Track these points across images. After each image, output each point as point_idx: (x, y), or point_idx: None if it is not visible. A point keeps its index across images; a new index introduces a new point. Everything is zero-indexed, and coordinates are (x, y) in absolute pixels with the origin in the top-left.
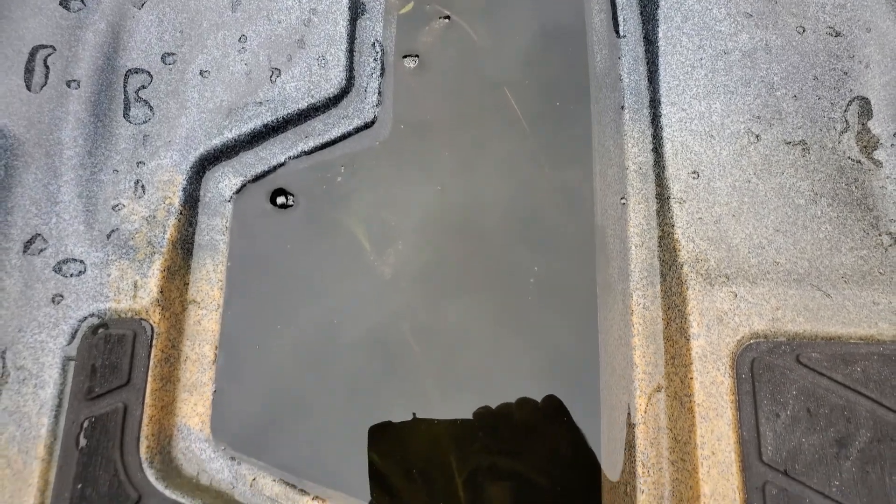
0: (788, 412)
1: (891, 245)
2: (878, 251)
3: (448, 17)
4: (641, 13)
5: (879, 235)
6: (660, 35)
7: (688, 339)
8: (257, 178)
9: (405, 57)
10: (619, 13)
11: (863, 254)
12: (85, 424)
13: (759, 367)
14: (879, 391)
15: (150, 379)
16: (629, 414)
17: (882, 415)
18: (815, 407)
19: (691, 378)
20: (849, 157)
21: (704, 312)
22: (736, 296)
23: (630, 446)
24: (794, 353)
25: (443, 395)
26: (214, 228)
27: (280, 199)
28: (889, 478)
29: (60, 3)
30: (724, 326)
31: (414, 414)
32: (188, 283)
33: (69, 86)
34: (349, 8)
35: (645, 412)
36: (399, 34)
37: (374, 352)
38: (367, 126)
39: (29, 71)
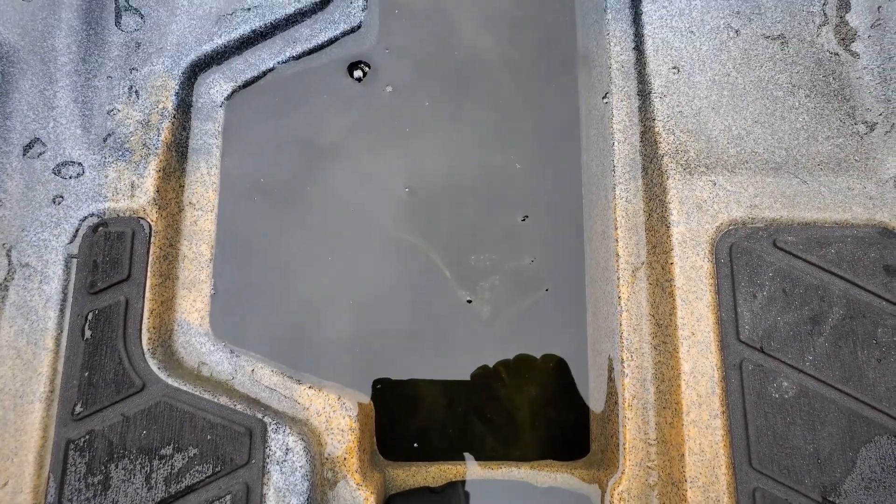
0: (765, 293)
1: (866, 133)
2: (853, 139)
3: None
4: None
5: (855, 124)
6: None
7: (668, 227)
8: (247, 84)
9: None
10: None
11: (839, 142)
12: (89, 317)
13: (737, 251)
14: (853, 271)
15: (149, 274)
16: (613, 303)
17: (855, 293)
18: (791, 287)
19: (672, 263)
20: (827, 50)
21: (684, 201)
22: (715, 184)
23: (614, 333)
24: (771, 237)
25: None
26: (207, 132)
27: (357, 73)
28: (861, 351)
29: None
30: (704, 213)
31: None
32: (184, 186)
33: None
34: None
35: (628, 300)
36: None
37: (370, 247)
38: (353, 30)
39: None
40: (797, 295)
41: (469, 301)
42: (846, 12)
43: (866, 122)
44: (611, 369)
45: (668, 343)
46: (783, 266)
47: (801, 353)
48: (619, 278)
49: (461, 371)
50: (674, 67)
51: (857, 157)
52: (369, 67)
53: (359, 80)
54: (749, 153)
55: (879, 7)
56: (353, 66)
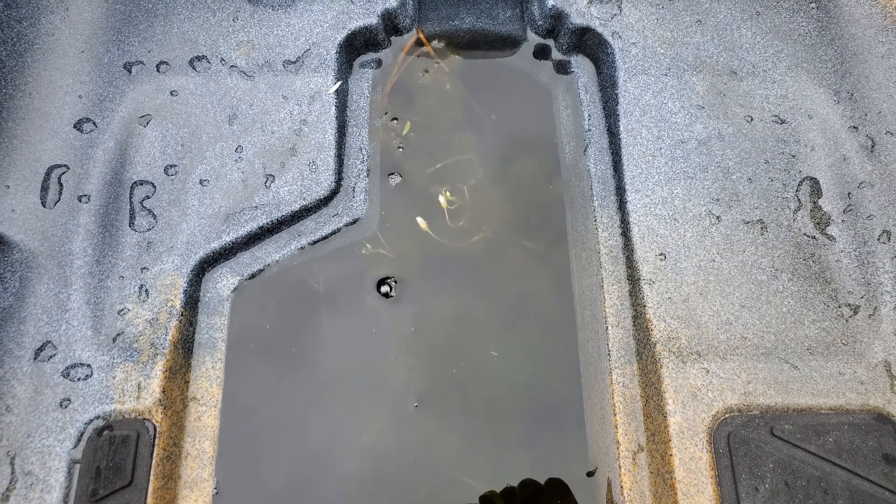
0: (767, 486)
1: (851, 316)
2: (839, 322)
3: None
4: (604, 108)
5: (839, 307)
6: (621, 128)
7: (665, 416)
8: (253, 276)
9: (390, 175)
10: (583, 109)
11: (825, 325)
12: None
13: (735, 441)
14: (853, 461)
15: (152, 478)
16: (616, 492)
17: (857, 484)
18: (793, 479)
19: (671, 455)
20: (804, 234)
21: (679, 389)
22: (708, 372)
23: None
24: (768, 425)
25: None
26: (213, 327)
27: (384, 288)
28: None
29: (74, 126)
30: (699, 402)
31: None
32: (188, 381)
33: (80, 200)
34: (336, 118)
35: (630, 489)
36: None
37: (378, 445)
38: (354, 222)
39: (44, 189)
40: (800, 487)
41: None
42: (819, 198)
43: (849, 304)
44: None
45: None
46: (783, 456)
47: None
48: (620, 466)
49: None
50: (660, 254)
51: (844, 341)
52: (396, 282)
53: (386, 294)
54: (739, 339)
55: (849, 193)
56: (380, 283)
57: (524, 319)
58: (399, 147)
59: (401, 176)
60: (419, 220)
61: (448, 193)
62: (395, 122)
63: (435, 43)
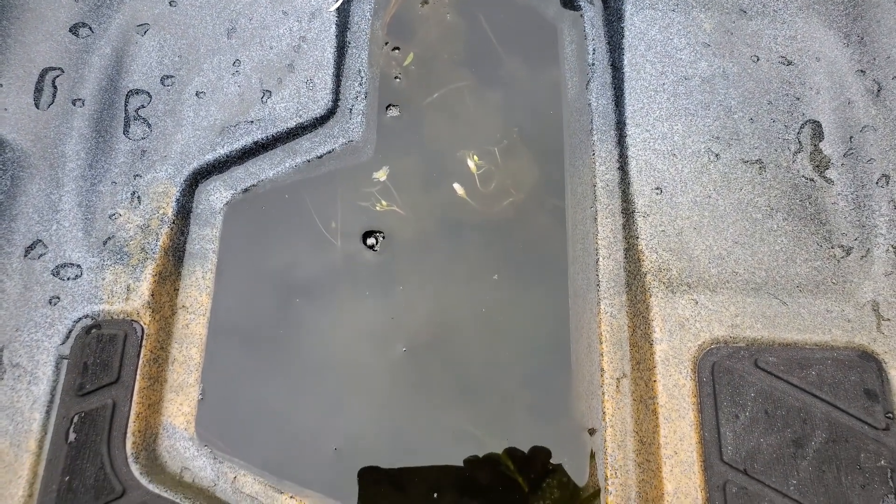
0: (747, 413)
1: (843, 257)
2: (830, 262)
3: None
4: (608, 43)
5: (832, 248)
6: (625, 62)
7: (651, 344)
8: (246, 191)
9: (388, 107)
10: (588, 43)
11: (816, 265)
12: (75, 419)
13: (719, 370)
14: (833, 394)
15: (138, 377)
16: (598, 418)
17: (836, 416)
18: (773, 409)
19: (655, 381)
20: (802, 176)
21: (667, 318)
22: (697, 303)
23: (598, 450)
24: (753, 357)
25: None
26: (205, 238)
27: (370, 241)
28: (844, 477)
29: (70, 30)
30: (686, 332)
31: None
32: (178, 289)
33: (74, 104)
34: (336, 37)
35: (612, 415)
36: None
37: (357, 361)
38: (350, 144)
39: (38, 90)
40: (779, 417)
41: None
42: (820, 141)
43: (842, 246)
44: (595, 486)
45: (651, 462)
46: (765, 387)
47: (785, 476)
48: (604, 392)
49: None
50: (657, 188)
51: (834, 281)
52: (384, 237)
53: (372, 247)
54: (730, 273)
55: (851, 137)
56: (367, 235)
57: (516, 254)
58: (396, 77)
59: (397, 108)
60: (456, 186)
61: (476, 157)
62: (397, 52)
63: None
